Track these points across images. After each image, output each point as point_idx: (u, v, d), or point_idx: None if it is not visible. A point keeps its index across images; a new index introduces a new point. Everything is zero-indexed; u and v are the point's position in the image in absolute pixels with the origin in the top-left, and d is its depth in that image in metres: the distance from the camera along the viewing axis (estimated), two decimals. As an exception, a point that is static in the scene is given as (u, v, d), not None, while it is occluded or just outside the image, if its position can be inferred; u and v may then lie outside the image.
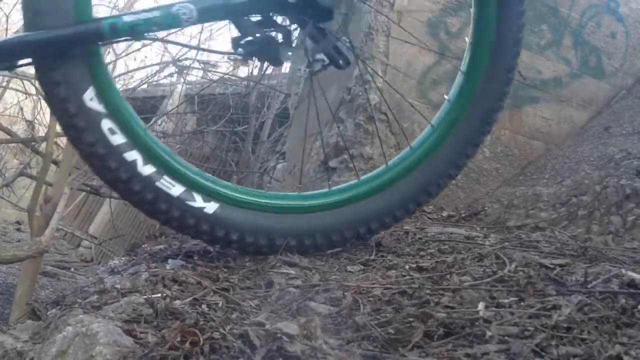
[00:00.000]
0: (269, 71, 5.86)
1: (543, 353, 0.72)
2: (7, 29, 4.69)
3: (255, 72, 5.77)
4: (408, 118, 2.39)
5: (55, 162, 4.03)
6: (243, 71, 6.12)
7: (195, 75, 6.17)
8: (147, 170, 1.22)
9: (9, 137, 4.34)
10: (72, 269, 6.42)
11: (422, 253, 1.34)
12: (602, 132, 2.56)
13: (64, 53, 1.16)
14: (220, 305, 1.00)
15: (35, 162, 5.02)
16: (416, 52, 2.43)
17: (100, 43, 1.20)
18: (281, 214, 1.34)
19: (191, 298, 1.03)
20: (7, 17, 4.66)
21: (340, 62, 1.36)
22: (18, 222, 8.64)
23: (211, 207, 1.27)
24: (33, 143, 4.44)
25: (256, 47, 1.26)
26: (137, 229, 7.23)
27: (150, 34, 1.18)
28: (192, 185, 1.26)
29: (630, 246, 1.55)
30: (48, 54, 1.15)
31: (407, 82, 2.43)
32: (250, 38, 1.26)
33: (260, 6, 1.26)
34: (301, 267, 1.26)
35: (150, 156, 1.23)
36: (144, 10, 1.17)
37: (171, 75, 5.88)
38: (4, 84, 5.50)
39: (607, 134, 2.51)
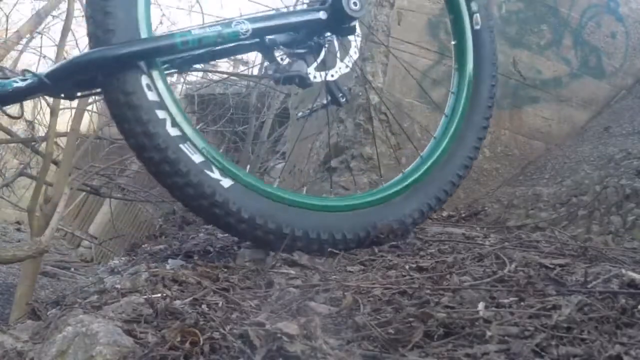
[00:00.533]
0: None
1: (543, 353, 0.72)
2: (7, 29, 4.70)
3: (256, 72, 5.77)
4: (408, 118, 2.39)
5: (55, 162, 4.03)
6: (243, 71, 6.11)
7: (195, 76, 6.18)
8: (174, 132, 1.28)
9: (9, 137, 4.34)
10: (72, 269, 6.43)
11: (422, 253, 1.34)
12: (602, 132, 2.56)
13: (133, 66, 1.25)
14: (220, 305, 1.00)
15: (35, 162, 5.03)
16: (416, 51, 2.43)
17: (165, 68, 1.34)
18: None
19: (191, 298, 1.03)
20: (7, 17, 4.66)
21: (340, 99, 1.52)
22: (18, 222, 8.65)
23: (227, 182, 1.32)
24: (33, 143, 4.44)
25: (286, 72, 1.41)
26: (137, 229, 7.24)
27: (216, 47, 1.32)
28: (211, 159, 1.32)
29: (630, 246, 1.55)
30: (117, 69, 1.24)
31: (407, 82, 2.43)
32: (280, 65, 1.41)
33: (303, 24, 1.41)
34: (301, 266, 1.26)
35: (177, 122, 1.29)
36: (208, 25, 1.30)
37: (171, 75, 5.89)
38: (4, 84, 5.49)
39: (607, 134, 2.51)
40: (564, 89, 2.76)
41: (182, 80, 6.25)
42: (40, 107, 5.63)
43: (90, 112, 4.82)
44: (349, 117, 2.43)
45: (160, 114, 1.27)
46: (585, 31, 2.82)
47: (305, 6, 1.54)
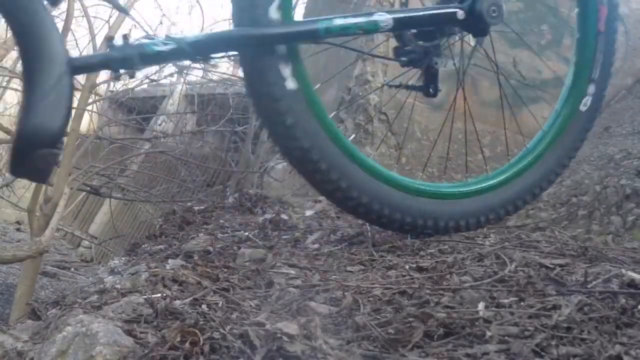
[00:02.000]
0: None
1: (543, 353, 0.72)
2: (7, 29, 4.69)
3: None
4: (408, 118, 2.39)
5: (55, 162, 4.01)
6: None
7: (195, 75, 6.18)
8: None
9: (9, 137, 4.34)
10: (72, 269, 6.42)
11: (422, 253, 1.34)
12: (602, 132, 2.56)
13: (274, 49, 1.28)
14: (220, 305, 1.00)
15: (35, 162, 5.01)
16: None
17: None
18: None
19: (191, 298, 1.03)
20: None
21: (430, 89, 1.52)
22: (18, 222, 8.64)
23: (291, 84, 1.30)
24: (33, 143, 4.43)
25: (415, 56, 1.43)
26: (137, 229, 7.24)
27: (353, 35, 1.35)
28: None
29: (630, 246, 1.54)
30: (260, 49, 1.28)
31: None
32: (410, 48, 1.44)
33: (439, 19, 1.44)
34: (300, 267, 1.26)
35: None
36: (351, 16, 1.32)
37: (171, 75, 5.88)
38: (4, 84, 5.50)
39: (607, 134, 2.51)
40: (564, 89, 2.76)
41: (182, 80, 6.25)
42: (40, 107, 5.61)
43: (90, 112, 4.82)
44: (349, 117, 2.43)
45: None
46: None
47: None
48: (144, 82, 5.89)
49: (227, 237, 1.68)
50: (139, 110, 7.42)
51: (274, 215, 1.88)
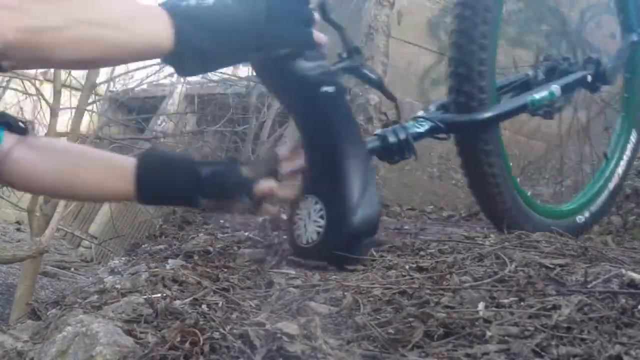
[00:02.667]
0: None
1: (543, 353, 0.72)
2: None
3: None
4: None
5: (55, 162, 4.01)
6: (243, 71, 6.12)
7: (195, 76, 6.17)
8: None
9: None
10: (72, 269, 6.43)
11: (422, 253, 1.34)
12: (602, 132, 2.56)
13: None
14: (220, 305, 1.00)
15: (35, 162, 5.00)
16: (416, 51, 2.43)
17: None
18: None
19: (191, 298, 1.03)
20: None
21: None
22: (18, 222, 8.64)
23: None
24: (33, 143, 4.43)
25: (551, 110, 1.64)
26: (137, 229, 7.23)
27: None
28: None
29: (630, 246, 1.55)
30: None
31: (407, 82, 2.43)
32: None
33: (577, 83, 1.68)
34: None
35: None
36: (540, 90, 1.55)
37: (171, 75, 5.88)
38: (4, 84, 5.50)
39: (607, 134, 2.51)
40: (564, 89, 2.76)
41: (182, 80, 6.25)
42: (41, 107, 5.63)
43: (90, 112, 4.82)
44: (349, 117, 2.43)
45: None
46: (585, 31, 2.82)
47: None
48: (144, 82, 5.89)
49: (227, 237, 1.68)
50: (139, 110, 7.42)
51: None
